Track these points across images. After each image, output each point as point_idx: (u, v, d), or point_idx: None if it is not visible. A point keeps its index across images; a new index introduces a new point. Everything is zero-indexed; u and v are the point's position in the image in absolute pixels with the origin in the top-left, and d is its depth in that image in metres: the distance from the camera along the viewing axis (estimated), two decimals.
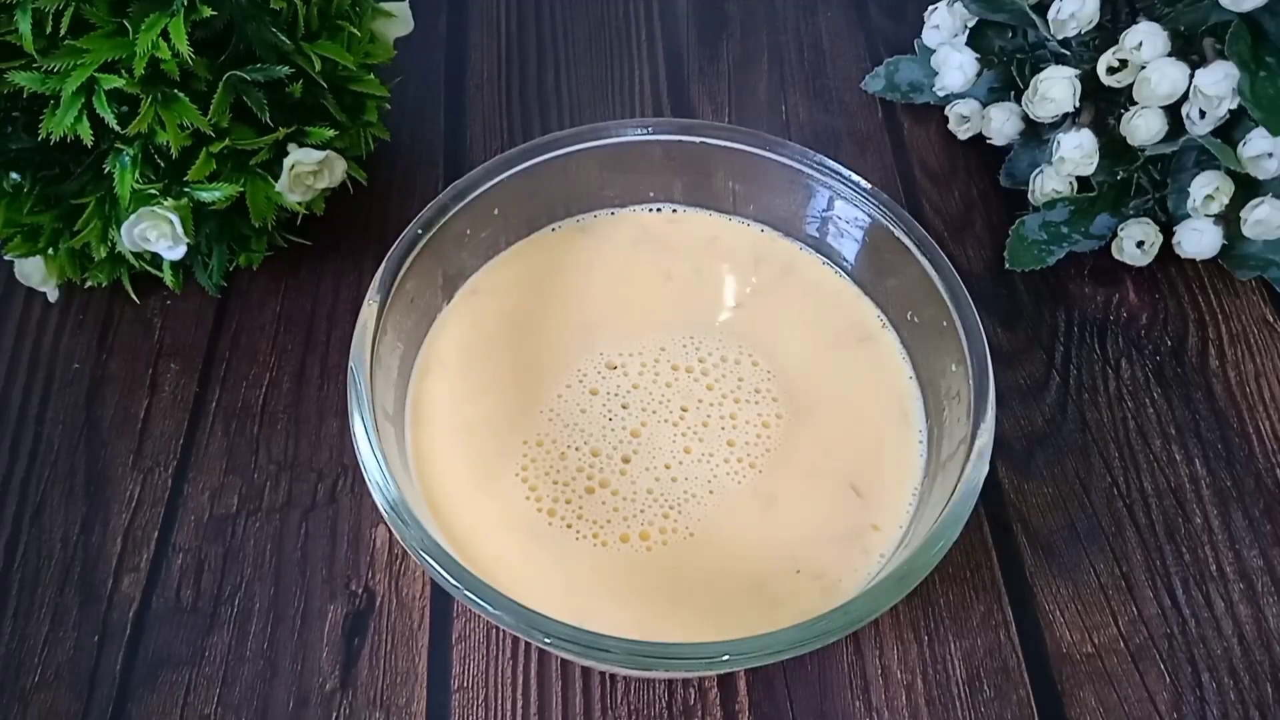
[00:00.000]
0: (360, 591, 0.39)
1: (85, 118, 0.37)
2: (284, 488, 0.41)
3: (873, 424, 0.36)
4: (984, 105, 0.51)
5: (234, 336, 0.46)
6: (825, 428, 0.36)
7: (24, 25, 0.35)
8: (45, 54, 0.36)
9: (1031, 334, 0.46)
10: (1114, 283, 0.48)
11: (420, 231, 0.35)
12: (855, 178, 0.37)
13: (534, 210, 0.40)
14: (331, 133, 0.42)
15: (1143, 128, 0.44)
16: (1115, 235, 0.47)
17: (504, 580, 0.30)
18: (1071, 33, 0.45)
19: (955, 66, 0.49)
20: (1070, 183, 0.47)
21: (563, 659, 0.37)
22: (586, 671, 0.37)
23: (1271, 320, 0.47)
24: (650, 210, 0.41)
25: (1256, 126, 0.43)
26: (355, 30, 0.43)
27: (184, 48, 0.36)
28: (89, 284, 0.45)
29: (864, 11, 0.59)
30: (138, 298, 0.46)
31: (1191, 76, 0.43)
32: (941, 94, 0.52)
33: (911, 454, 0.35)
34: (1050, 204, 0.47)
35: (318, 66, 0.41)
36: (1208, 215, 0.45)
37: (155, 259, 0.43)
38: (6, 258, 0.43)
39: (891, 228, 0.36)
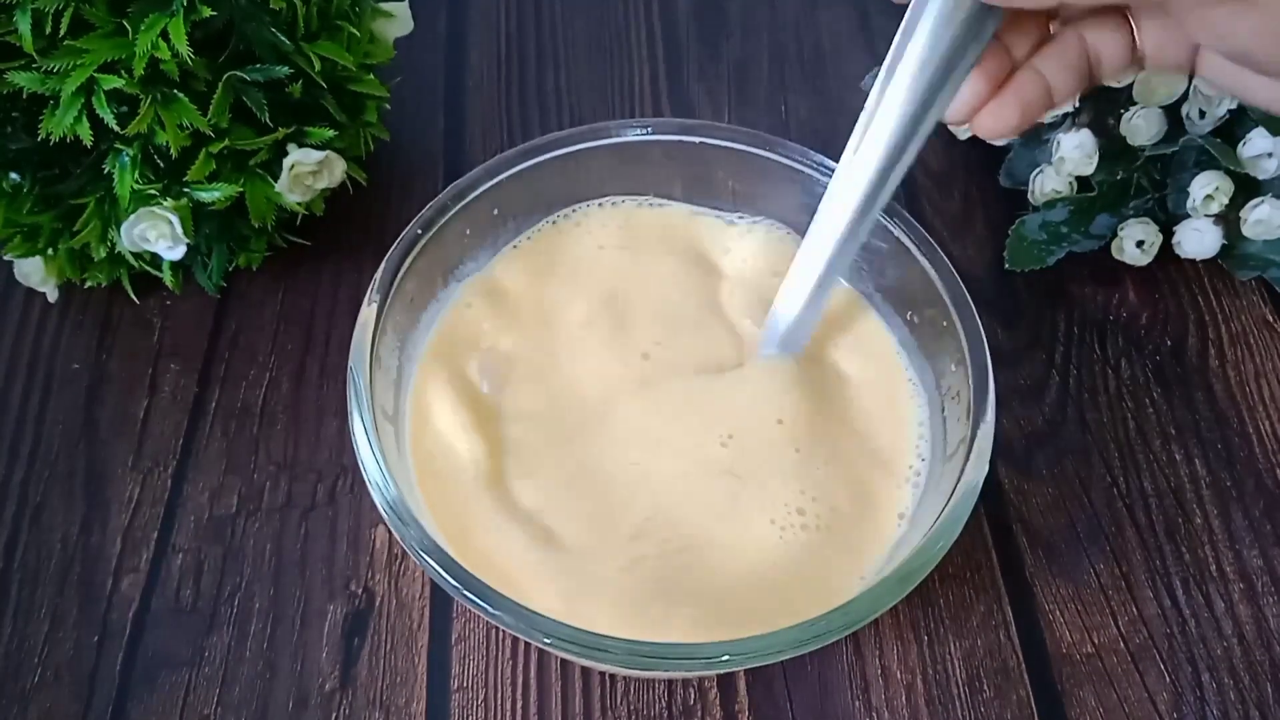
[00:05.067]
0: (360, 591, 0.39)
1: (85, 118, 0.37)
2: (284, 488, 0.41)
3: (872, 424, 0.36)
4: None
5: (234, 337, 0.46)
6: (825, 428, 0.36)
7: (24, 25, 0.35)
8: (45, 54, 0.36)
9: (1031, 334, 0.46)
10: (1114, 283, 0.48)
11: (420, 231, 0.35)
12: None
13: (534, 210, 0.40)
14: (331, 133, 0.42)
15: (1143, 128, 0.44)
16: (1115, 235, 0.47)
17: (504, 580, 0.30)
18: None
19: None
20: (1070, 183, 0.46)
21: (563, 659, 0.37)
22: (586, 671, 0.37)
23: (1271, 320, 0.47)
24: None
25: (1256, 126, 0.43)
26: (355, 30, 0.43)
27: (184, 48, 0.36)
28: (88, 284, 0.45)
29: (864, 11, 0.59)
30: (137, 298, 0.46)
31: (1191, 76, 0.43)
32: None
33: (911, 454, 0.35)
34: (1050, 204, 0.47)
35: (317, 67, 0.41)
36: (1208, 215, 0.45)
37: (155, 259, 0.43)
38: (6, 258, 0.43)
39: (891, 228, 0.36)
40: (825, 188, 0.32)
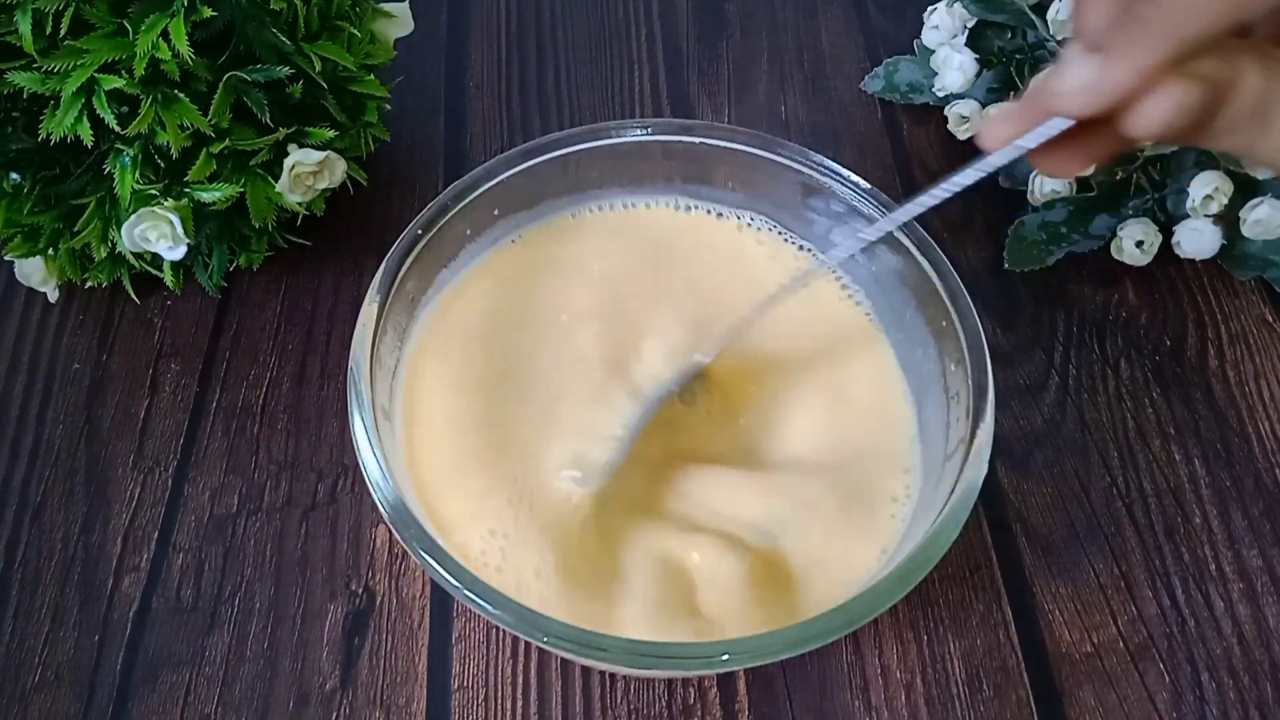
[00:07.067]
0: (360, 591, 0.39)
1: (85, 118, 0.37)
2: (284, 488, 0.41)
3: (871, 424, 0.36)
4: (983, 105, 0.51)
5: (234, 337, 0.46)
6: (824, 428, 0.36)
7: (24, 25, 0.35)
8: (45, 54, 0.36)
9: (1031, 334, 0.46)
10: (1113, 283, 0.48)
11: (420, 232, 0.35)
12: (855, 178, 0.37)
13: (534, 210, 0.40)
14: (331, 133, 0.42)
15: None
16: (1114, 235, 0.47)
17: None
18: (1071, 33, 0.45)
19: (955, 67, 0.49)
20: (1069, 183, 0.47)
21: (563, 659, 0.37)
22: (586, 671, 0.37)
23: (1271, 320, 0.47)
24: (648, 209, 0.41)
25: None
26: (355, 31, 0.43)
27: (184, 48, 0.36)
28: (89, 284, 0.45)
29: (863, 12, 0.59)
30: (138, 298, 0.46)
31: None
32: (941, 94, 0.52)
33: (911, 454, 0.35)
34: (1049, 204, 0.47)
35: (318, 67, 0.41)
36: (1207, 215, 0.45)
37: (155, 259, 0.43)
38: (7, 258, 0.43)
39: (891, 228, 0.36)
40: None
